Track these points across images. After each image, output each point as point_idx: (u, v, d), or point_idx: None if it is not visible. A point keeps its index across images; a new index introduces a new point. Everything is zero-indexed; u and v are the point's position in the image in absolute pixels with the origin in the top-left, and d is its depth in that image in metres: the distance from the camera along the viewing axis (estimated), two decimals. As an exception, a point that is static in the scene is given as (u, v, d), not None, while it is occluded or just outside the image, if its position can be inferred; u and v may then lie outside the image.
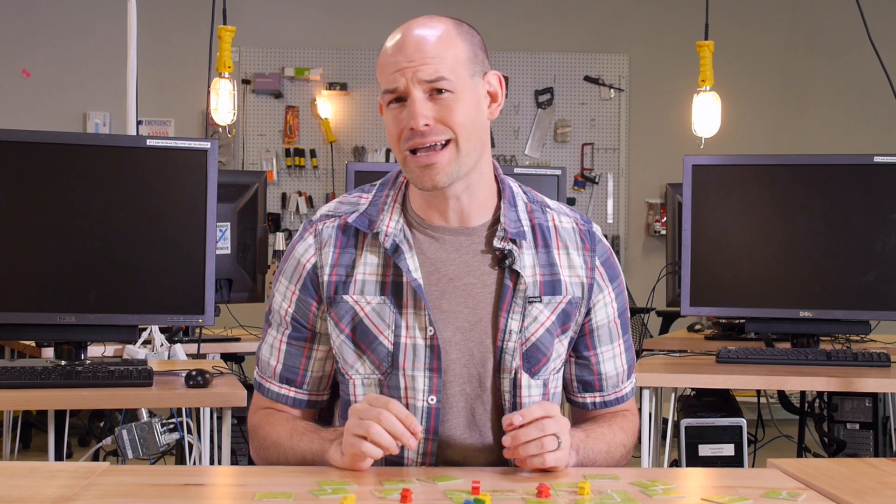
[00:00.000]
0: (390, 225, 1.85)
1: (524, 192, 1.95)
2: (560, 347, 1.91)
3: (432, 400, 1.83)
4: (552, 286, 1.88)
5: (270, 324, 1.94)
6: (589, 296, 1.92)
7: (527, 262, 1.87)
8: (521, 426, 1.68)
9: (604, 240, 1.97)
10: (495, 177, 1.91)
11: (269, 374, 1.93)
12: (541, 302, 1.87)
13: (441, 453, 1.86)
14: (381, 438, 1.66)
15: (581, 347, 1.95)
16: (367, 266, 1.86)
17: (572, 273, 1.90)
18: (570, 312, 1.90)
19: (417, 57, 1.76)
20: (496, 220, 1.88)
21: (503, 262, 1.86)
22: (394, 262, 1.84)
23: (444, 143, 1.78)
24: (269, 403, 1.94)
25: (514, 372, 1.85)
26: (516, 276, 1.86)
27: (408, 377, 1.83)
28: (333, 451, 1.75)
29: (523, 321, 1.85)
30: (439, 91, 1.76)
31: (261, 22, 7.46)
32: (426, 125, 1.76)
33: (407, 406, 1.82)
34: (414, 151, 1.78)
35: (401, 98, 1.78)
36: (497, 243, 1.86)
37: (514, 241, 1.86)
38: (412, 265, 1.83)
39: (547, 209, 1.94)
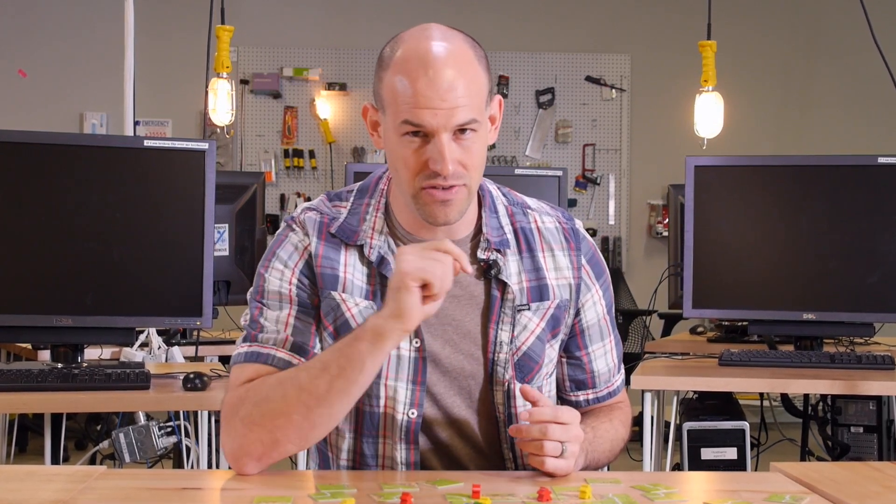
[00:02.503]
0: (374, 237, 1.82)
1: (504, 195, 1.92)
2: (552, 352, 1.90)
3: (413, 413, 1.80)
4: (539, 292, 1.86)
5: (266, 306, 1.81)
6: (577, 296, 1.90)
7: (512, 269, 1.85)
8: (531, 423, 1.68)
9: (588, 236, 1.95)
10: None
11: (279, 343, 1.77)
12: (529, 309, 1.85)
13: (433, 465, 1.84)
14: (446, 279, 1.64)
15: (573, 348, 1.94)
16: (354, 269, 1.82)
17: (559, 275, 1.89)
18: (560, 317, 1.88)
19: (450, 97, 1.68)
20: (479, 230, 1.86)
21: (489, 273, 1.84)
22: (379, 272, 1.81)
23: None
24: (265, 373, 1.75)
25: (506, 384, 1.83)
26: (503, 285, 1.84)
27: (389, 388, 1.80)
28: (376, 319, 1.65)
29: (513, 331, 1.84)
30: (466, 131, 1.72)
31: (259, 21, 7.44)
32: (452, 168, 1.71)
33: (385, 417, 1.81)
34: (429, 188, 1.74)
35: (423, 132, 1.72)
36: (481, 254, 1.84)
37: (498, 251, 1.84)
38: None
39: (528, 210, 1.92)
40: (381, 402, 1.80)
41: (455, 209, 1.75)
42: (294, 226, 1.85)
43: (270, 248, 1.86)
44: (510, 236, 1.87)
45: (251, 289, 1.86)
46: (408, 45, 1.73)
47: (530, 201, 1.94)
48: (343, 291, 1.80)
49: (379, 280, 1.81)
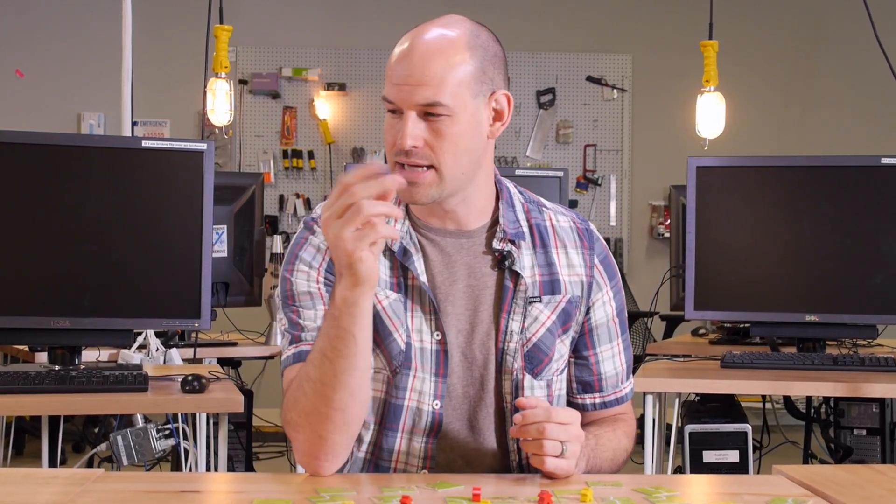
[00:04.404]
0: (397, 227, 1.84)
1: (521, 193, 1.95)
2: (562, 348, 1.91)
3: (437, 405, 1.83)
4: (551, 286, 1.88)
5: (301, 307, 1.82)
6: (588, 294, 1.92)
7: (525, 262, 1.87)
8: (523, 425, 1.68)
9: (601, 238, 1.98)
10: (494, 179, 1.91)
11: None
12: (540, 302, 1.87)
13: (443, 457, 1.85)
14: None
15: (580, 347, 1.95)
16: (378, 262, 1.82)
17: (571, 272, 1.90)
18: (571, 312, 1.90)
19: (417, 73, 1.72)
20: (495, 222, 1.88)
21: (503, 264, 1.86)
22: (401, 264, 1.83)
23: (426, 166, 1.75)
24: None
25: (515, 374, 1.85)
26: (516, 276, 1.86)
27: (417, 379, 1.82)
28: (342, 291, 1.62)
29: (524, 322, 1.86)
30: (434, 113, 1.73)
31: (258, 21, 7.43)
32: (413, 146, 1.73)
33: (408, 409, 1.82)
34: (401, 164, 1.76)
35: (397, 109, 1.76)
36: (496, 244, 1.86)
37: (512, 242, 1.86)
38: (420, 268, 1.83)
39: (544, 209, 1.95)
40: (407, 395, 1.82)
41: (421, 192, 1.76)
42: (315, 227, 1.86)
43: (291, 251, 1.87)
44: (525, 230, 1.89)
45: (278, 293, 1.88)
46: (414, 31, 1.78)
47: (546, 202, 1.97)
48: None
49: (402, 272, 1.83)
